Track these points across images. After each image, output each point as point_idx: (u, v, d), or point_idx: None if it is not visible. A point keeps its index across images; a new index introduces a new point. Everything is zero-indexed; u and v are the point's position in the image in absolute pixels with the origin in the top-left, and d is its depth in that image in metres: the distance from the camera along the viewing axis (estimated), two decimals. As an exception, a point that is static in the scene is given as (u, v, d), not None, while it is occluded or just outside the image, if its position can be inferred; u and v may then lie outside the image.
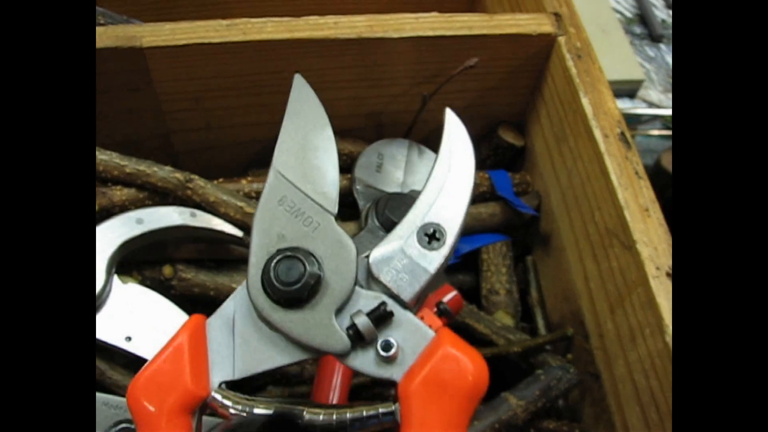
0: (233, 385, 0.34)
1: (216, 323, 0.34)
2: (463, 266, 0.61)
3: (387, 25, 0.53)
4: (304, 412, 0.33)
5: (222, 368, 0.33)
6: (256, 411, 0.33)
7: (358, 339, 0.33)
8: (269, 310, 0.33)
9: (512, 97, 0.61)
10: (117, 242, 0.47)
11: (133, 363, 0.47)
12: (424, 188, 0.36)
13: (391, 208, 0.52)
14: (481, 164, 0.63)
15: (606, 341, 0.49)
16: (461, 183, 0.36)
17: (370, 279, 0.34)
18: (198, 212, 0.50)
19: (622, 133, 0.50)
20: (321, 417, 0.33)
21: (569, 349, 0.55)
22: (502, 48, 0.56)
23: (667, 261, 0.44)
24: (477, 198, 0.61)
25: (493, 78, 0.58)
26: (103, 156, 0.50)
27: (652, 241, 0.45)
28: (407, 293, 0.34)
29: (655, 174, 0.74)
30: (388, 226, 0.50)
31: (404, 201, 0.52)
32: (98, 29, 0.49)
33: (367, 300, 0.34)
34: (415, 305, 0.34)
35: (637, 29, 1.02)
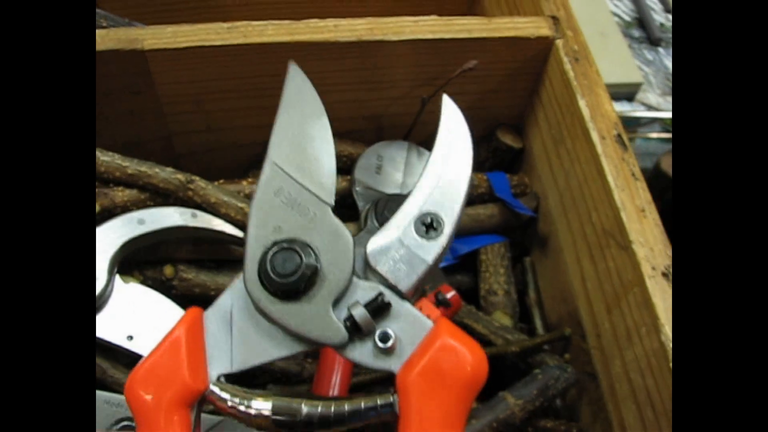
0: (233, 380, 0.34)
1: (213, 316, 0.34)
2: (461, 267, 0.61)
3: (387, 28, 0.53)
4: (302, 405, 0.32)
5: (220, 361, 0.33)
6: (254, 404, 0.32)
7: (356, 330, 0.32)
8: (266, 302, 0.33)
9: (511, 100, 0.61)
10: (119, 242, 0.48)
11: (134, 362, 0.46)
12: (420, 177, 0.35)
13: (391, 210, 0.52)
14: (479, 166, 0.64)
15: (603, 341, 0.50)
16: (458, 172, 0.35)
17: (368, 269, 0.34)
18: (199, 213, 0.51)
19: (619, 135, 0.51)
20: (319, 409, 0.32)
21: (567, 349, 0.55)
22: (501, 51, 0.56)
23: (662, 261, 0.44)
24: (475, 199, 0.61)
25: (492, 81, 0.59)
26: (105, 157, 0.51)
27: (648, 242, 0.45)
28: (405, 284, 0.33)
29: (654, 177, 0.74)
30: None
31: (403, 202, 0.53)
32: (100, 32, 0.50)
33: (365, 291, 0.33)
34: (413, 296, 0.34)
35: (636, 33, 1.02)
